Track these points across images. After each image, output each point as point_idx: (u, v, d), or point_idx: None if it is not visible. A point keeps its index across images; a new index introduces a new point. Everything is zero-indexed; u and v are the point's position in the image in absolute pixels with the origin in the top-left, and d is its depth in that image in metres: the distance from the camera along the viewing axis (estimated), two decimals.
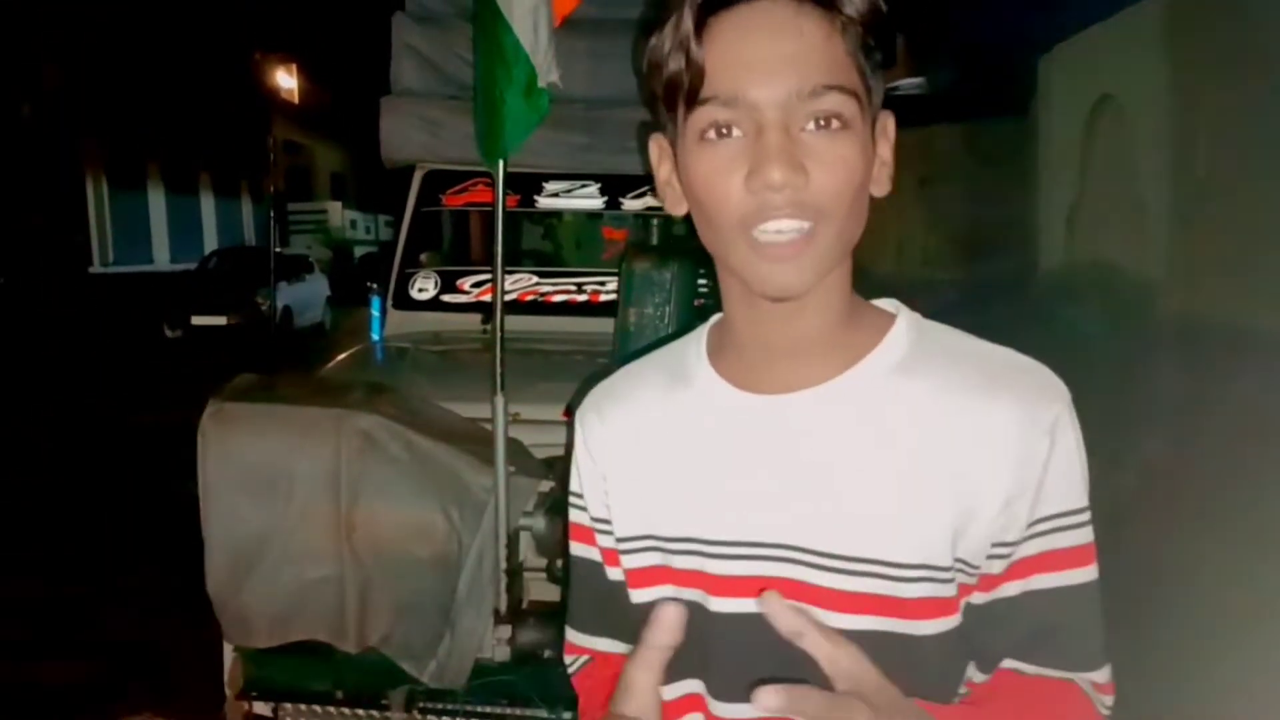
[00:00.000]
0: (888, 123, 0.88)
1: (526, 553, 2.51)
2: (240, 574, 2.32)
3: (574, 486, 1.03)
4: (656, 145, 0.92)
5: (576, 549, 1.05)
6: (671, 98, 0.85)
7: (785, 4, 0.81)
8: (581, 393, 1.06)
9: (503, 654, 2.36)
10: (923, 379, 0.87)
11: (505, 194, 2.43)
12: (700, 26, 0.81)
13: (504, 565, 2.33)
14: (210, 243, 23.22)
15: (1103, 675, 0.89)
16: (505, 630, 2.37)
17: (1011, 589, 0.86)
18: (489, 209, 2.53)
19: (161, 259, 21.93)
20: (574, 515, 1.04)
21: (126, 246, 20.49)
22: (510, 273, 3.76)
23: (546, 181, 3.84)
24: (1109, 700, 0.91)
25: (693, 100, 0.82)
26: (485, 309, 3.54)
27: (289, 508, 2.31)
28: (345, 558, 2.29)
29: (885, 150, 0.88)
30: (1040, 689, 0.87)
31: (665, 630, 0.71)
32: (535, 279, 3.86)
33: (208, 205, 24.66)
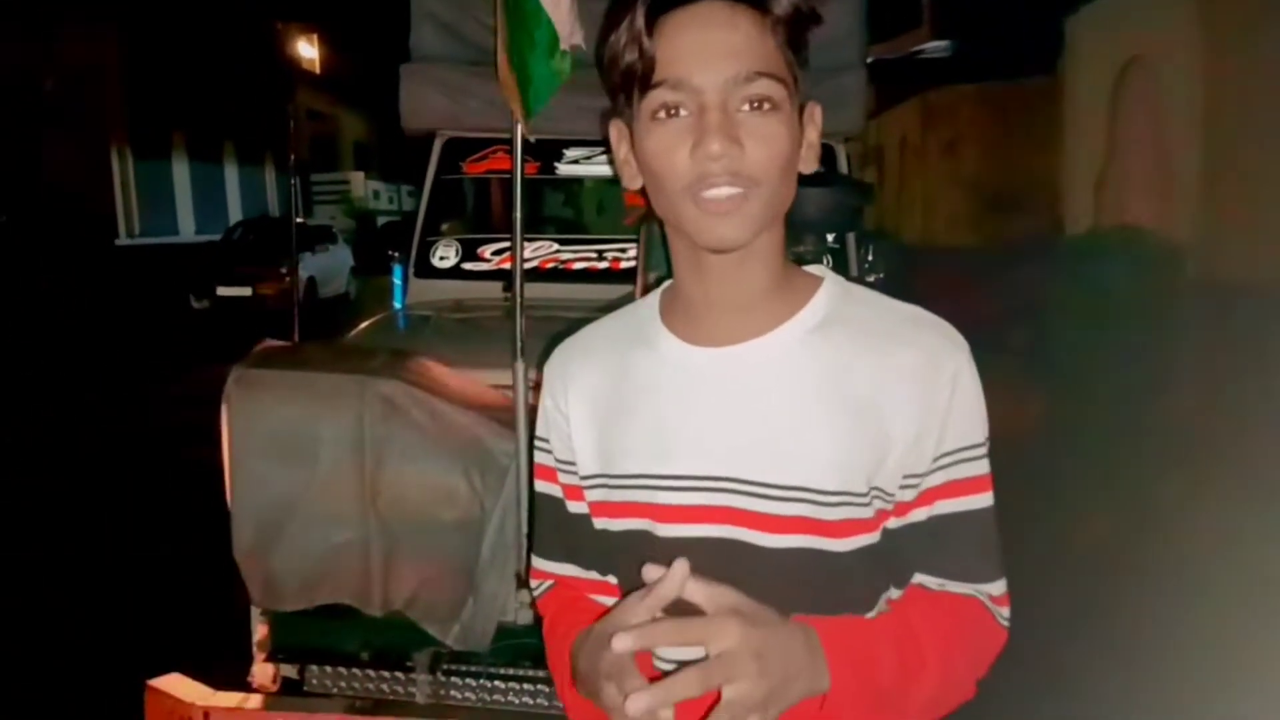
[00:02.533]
0: (815, 110, 1.02)
1: None
2: (266, 539, 2.34)
3: (540, 432, 1.17)
4: (615, 129, 1.05)
5: (540, 486, 1.18)
6: (628, 85, 0.97)
7: (722, 4, 0.94)
8: (548, 350, 1.19)
9: (525, 617, 2.38)
10: (844, 334, 1.01)
11: (524, 160, 2.42)
12: (651, 24, 0.94)
13: (526, 530, 2.34)
14: (235, 213, 23.29)
15: (998, 588, 1.03)
16: (527, 594, 2.38)
17: (920, 514, 1.00)
18: (509, 176, 2.52)
19: (187, 230, 22.04)
20: (539, 457, 1.18)
21: (152, 218, 20.59)
22: (531, 240, 3.75)
23: (567, 148, 3.81)
24: (1006, 612, 1.04)
25: (646, 85, 0.95)
26: (506, 276, 3.53)
27: (313, 473, 2.32)
28: (370, 522, 2.31)
29: (812, 134, 1.02)
30: (945, 600, 1.01)
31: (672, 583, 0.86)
32: (556, 246, 3.85)
33: (232, 176, 24.72)
